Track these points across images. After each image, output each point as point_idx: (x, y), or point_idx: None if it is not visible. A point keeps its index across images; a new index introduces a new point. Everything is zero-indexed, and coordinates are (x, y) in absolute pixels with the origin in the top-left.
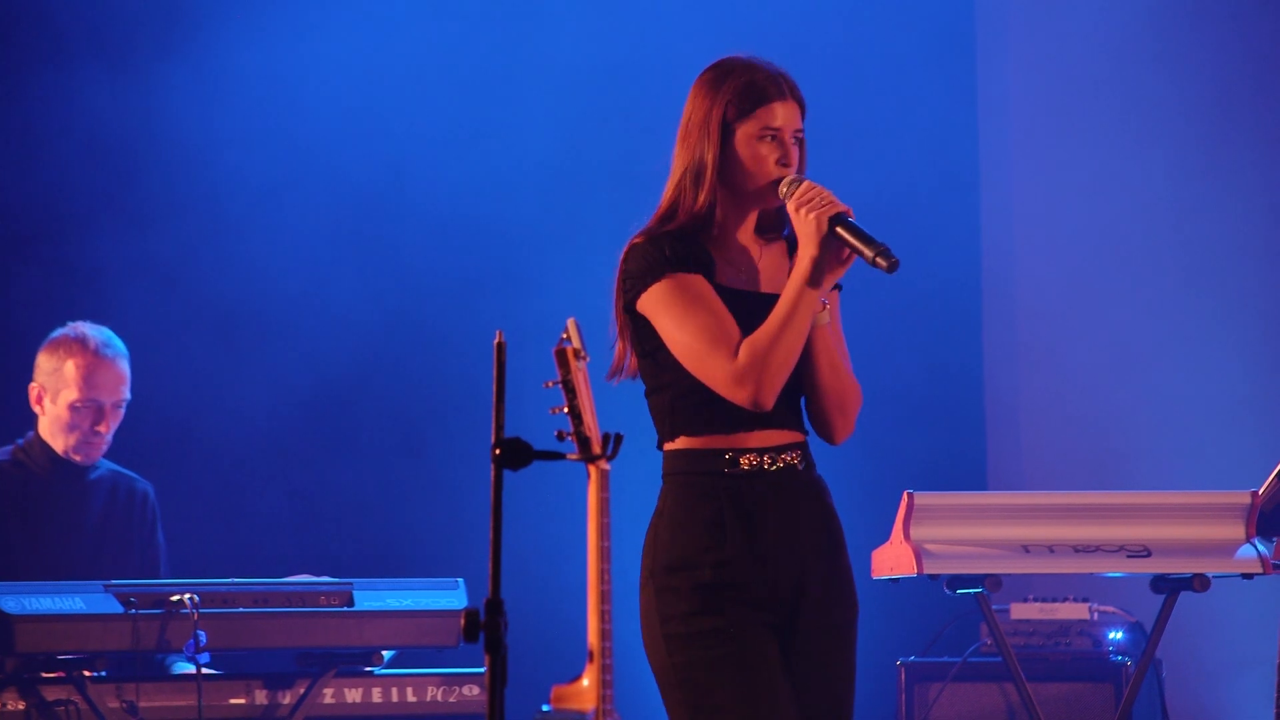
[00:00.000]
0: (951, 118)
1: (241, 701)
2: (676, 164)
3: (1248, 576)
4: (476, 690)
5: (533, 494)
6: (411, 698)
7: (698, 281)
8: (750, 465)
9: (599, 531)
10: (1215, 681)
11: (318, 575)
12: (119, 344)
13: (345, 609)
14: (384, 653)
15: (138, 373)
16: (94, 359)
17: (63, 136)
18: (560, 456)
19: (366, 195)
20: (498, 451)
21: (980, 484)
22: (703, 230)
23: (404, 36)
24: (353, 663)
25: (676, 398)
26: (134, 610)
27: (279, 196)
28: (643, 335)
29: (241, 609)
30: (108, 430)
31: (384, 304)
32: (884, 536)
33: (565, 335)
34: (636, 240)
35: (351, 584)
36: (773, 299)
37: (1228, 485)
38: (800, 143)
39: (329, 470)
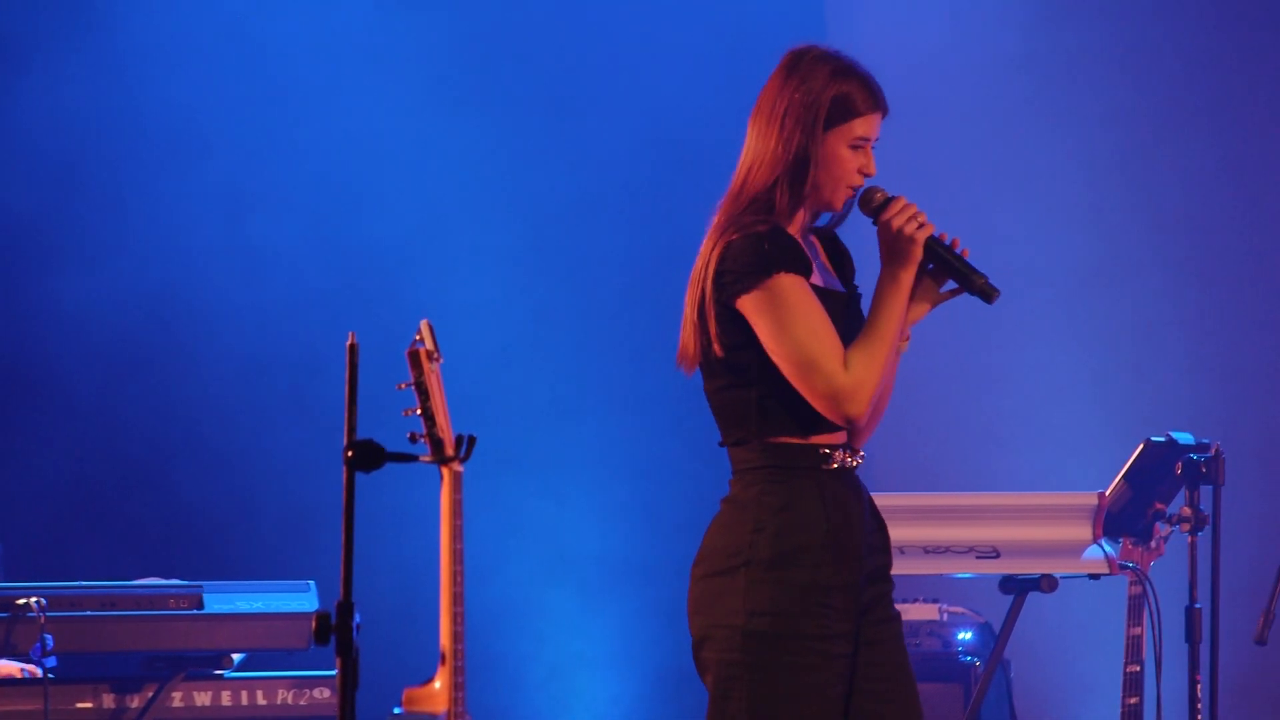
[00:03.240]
0: None
1: (89, 705)
2: (762, 150)
3: (1095, 577)
4: (327, 693)
5: (386, 496)
6: (262, 701)
7: (800, 284)
8: (839, 462)
9: (452, 533)
10: (1063, 681)
11: (167, 578)
12: None
13: (195, 612)
14: (234, 655)
15: None
16: None
17: None
18: (413, 459)
19: (222, 197)
20: (350, 454)
21: (883, 485)
22: (788, 225)
23: (270, 31)
24: (202, 666)
25: (767, 396)
26: None
27: (145, 190)
28: (732, 330)
29: (89, 612)
30: None
31: (234, 303)
32: None
33: (419, 337)
34: (734, 237)
35: (201, 586)
36: (853, 298)
37: (1075, 487)
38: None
39: (179, 471)
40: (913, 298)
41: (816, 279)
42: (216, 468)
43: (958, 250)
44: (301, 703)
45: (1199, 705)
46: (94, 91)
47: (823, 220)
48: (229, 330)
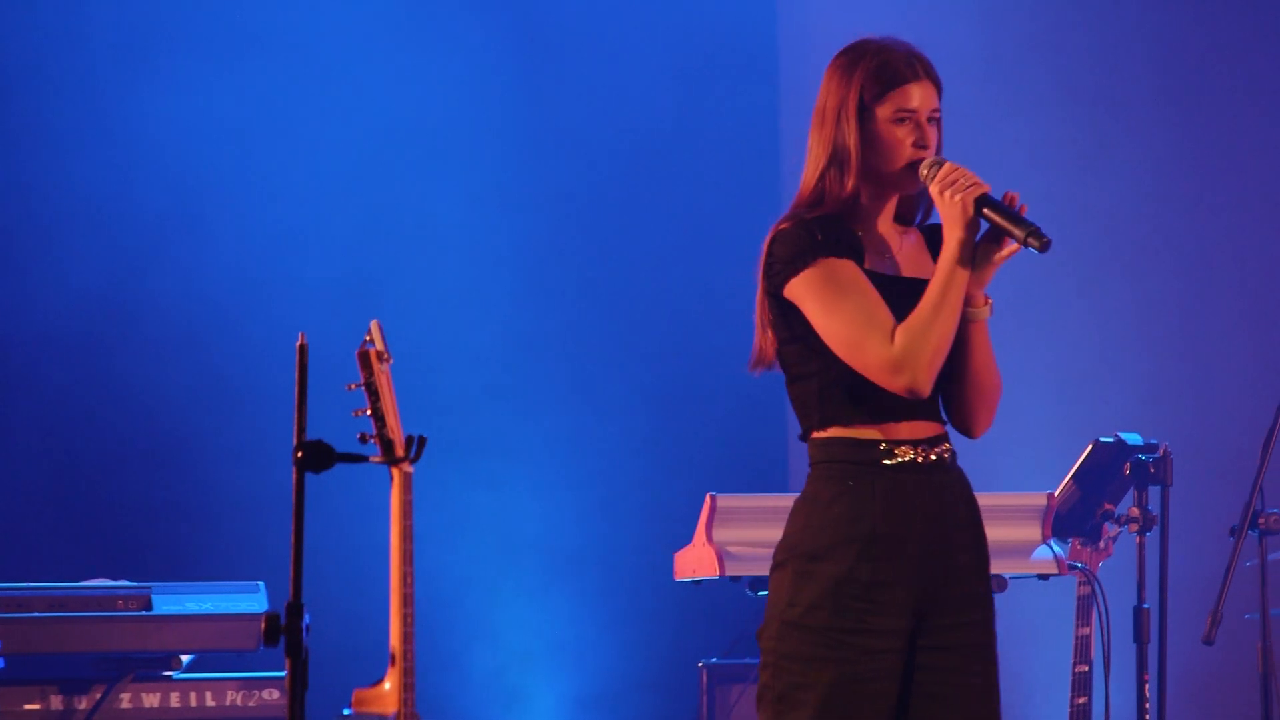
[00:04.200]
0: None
1: (37, 707)
2: (815, 150)
3: (1044, 577)
4: (277, 694)
5: (336, 497)
6: (210, 702)
7: (849, 266)
8: (905, 457)
9: (402, 533)
10: (1012, 681)
11: (115, 579)
12: None
13: (143, 613)
14: (183, 657)
15: None
16: None
17: None
18: (363, 459)
19: (167, 197)
20: (299, 454)
21: (782, 486)
22: (849, 216)
23: (236, 18)
24: (151, 667)
25: (826, 386)
26: None
27: (85, 191)
28: (789, 321)
29: (37, 614)
30: None
31: (184, 304)
32: (686, 538)
33: (368, 337)
34: (783, 225)
35: (150, 588)
36: (920, 284)
37: (1023, 487)
38: (937, 123)
39: (128, 472)
40: (978, 262)
41: (877, 265)
42: (165, 468)
43: (1016, 207)
44: (250, 704)
45: (1147, 705)
46: (53, 92)
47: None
48: (177, 329)
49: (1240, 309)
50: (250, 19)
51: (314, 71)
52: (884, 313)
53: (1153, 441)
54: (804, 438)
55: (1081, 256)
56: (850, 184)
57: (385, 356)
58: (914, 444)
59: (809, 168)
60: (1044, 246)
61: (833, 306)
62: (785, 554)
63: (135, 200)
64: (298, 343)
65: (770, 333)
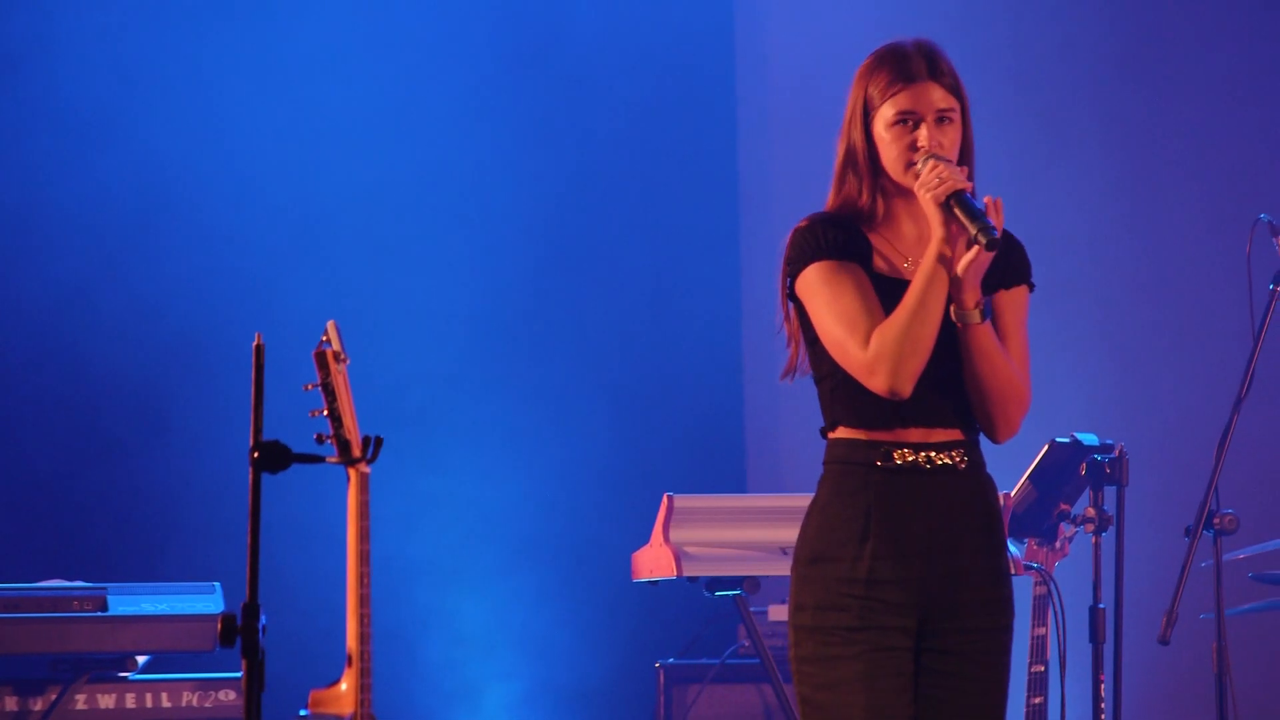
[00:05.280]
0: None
1: None
2: (838, 153)
3: None
4: (233, 695)
5: (293, 497)
6: (166, 703)
7: (849, 268)
8: (904, 461)
9: (359, 534)
10: None
11: (70, 580)
12: None
13: (99, 614)
14: (138, 658)
15: None
16: None
17: None
18: (319, 460)
19: (123, 196)
20: (256, 454)
21: (739, 487)
22: (866, 219)
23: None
24: (106, 668)
25: (836, 387)
26: None
27: (35, 193)
28: (805, 323)
29: None
30: None
31: (141, 304)
32: (644, 539)
33: (325, 338)
34: (800, 225)
35: (105, 588)
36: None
37: None
38: (951, 122)
39: (84, 472)
40: (958, 255)
41: (886, 268)
42: (121, 469)
43: (979, 205)
44: (207, 705)
45: (1102, 705)
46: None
47: None
48: (131, 327)
49: (1196, 309)
50: (212, 15)
51: (275, 72)
52: (868, 315)
53: (1109, 442)
54: (823, 437)
55: (1037, 257)
56: (863, 187)
57: (342, 357)
58: (920, 447)
59: (835, 170)
60: (989, 244)
61: (825, 306)
62: (793, 559)
63: (91, 201)
64: (254, 343)
65: (796, 335)
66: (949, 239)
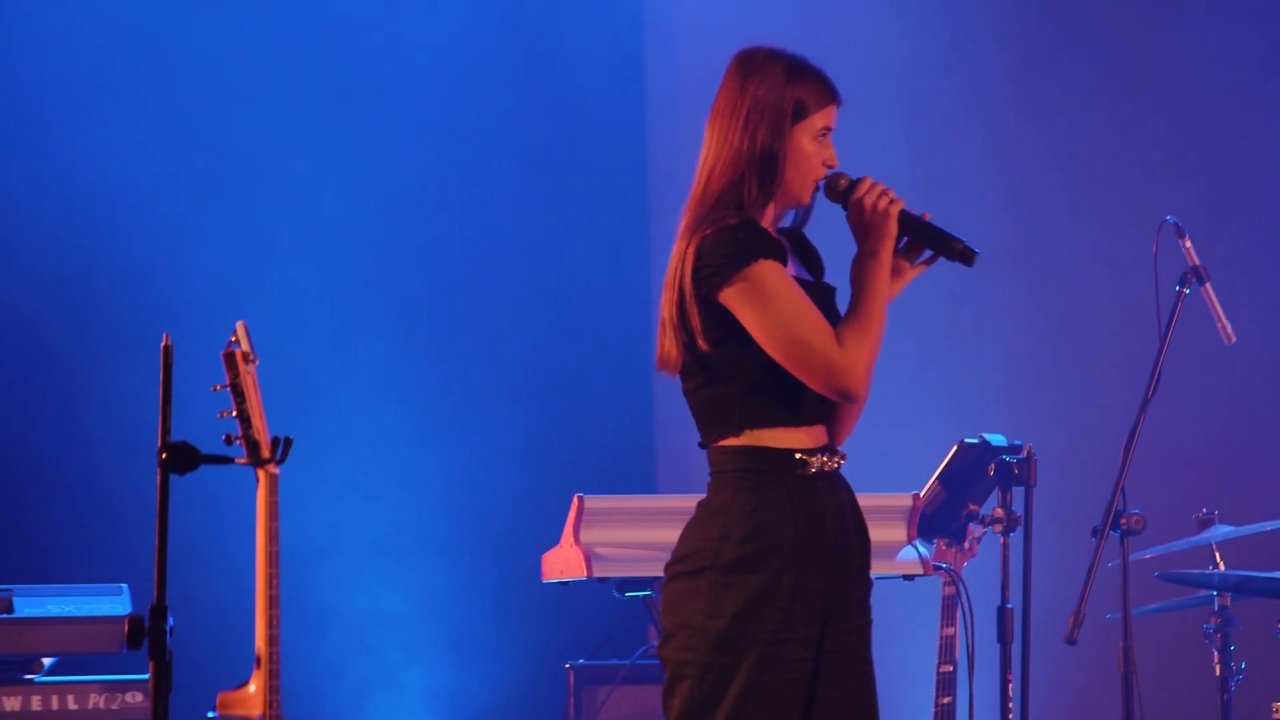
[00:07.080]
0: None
1: None
2: (725, 150)
3: (909, 578)
4: (140, 697)
5: (201, 498)
6: (73, 705)
7: (781, 270)
8: (815, 466)
9: (268, 535)
10: (879, 682)
11: None
12: None
13: (4, 615)
14: (44, 659)
15: None
16: None
17: None
18: (228, 461)
19: (32, 189)
20: (164, 455)
21: (650, 487)
22: (759, 220)
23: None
24: (12, 670)
25: (749, 390)
26: None
27: None
28: (715, 324)
29: None
30: None
31: (46, 303)
32: (554, 539)
33: (234, 338)
34: (730, 223)
35: (11, 590)
36: (828, 289)
37: (889, 488)
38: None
39: None
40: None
41: (793, 270)
42: (27, 470)
43: (929, 220)
44: (114, 707)
45: (1010, 704)
46: None
47: (788, 220)
48: (38, 326)
49: (1103, 309)
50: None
51: (186, 79)
52: (821, 318)
53: (1017, 443)
54: (709, 444)
55: (941, 260)
56: (770, 195)
57: (251, 358)
58: (820, 451)
59: (723, 170)
60: (971, 261)
61: (771, 312)
62: (699, 563)
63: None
64: (162, 344)
65: (680, 337)
66: (907, 250)
